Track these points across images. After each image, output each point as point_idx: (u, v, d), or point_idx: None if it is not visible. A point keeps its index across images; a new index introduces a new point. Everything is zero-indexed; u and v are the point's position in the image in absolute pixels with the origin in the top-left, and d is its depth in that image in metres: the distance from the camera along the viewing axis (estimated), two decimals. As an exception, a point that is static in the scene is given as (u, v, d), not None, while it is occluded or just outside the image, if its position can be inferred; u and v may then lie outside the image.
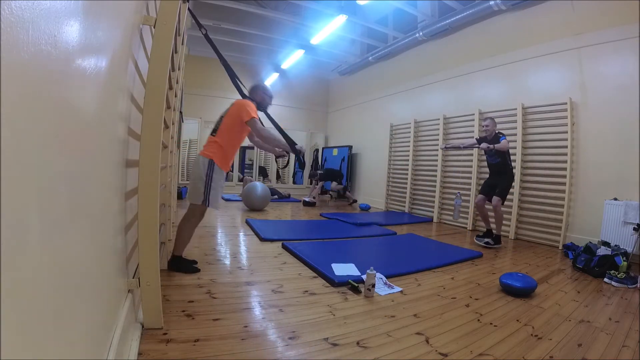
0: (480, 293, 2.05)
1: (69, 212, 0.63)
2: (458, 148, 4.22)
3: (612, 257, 2.54)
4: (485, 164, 4.54)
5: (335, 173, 6.82)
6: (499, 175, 3.43)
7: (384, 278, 2.12)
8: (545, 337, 1.49)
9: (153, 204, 1.26)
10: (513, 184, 3.60)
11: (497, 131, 3.44)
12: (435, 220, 5.12)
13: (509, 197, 4.20)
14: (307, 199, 6.20)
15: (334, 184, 6.78)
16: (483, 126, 3.49)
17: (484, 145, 3.30)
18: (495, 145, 3.22)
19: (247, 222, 3.91)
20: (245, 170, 8.68)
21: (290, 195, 7.24)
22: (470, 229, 4.49)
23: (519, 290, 2.01)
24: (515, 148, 3.94)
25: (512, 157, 4.16)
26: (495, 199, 3.35)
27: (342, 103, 8.48)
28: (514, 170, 3.58)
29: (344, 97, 8.46)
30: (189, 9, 2.29)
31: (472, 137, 4.17)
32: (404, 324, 1.56)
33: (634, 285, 2.28)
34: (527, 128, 4.00)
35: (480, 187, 4.59)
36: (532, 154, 3.96)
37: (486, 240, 3.44)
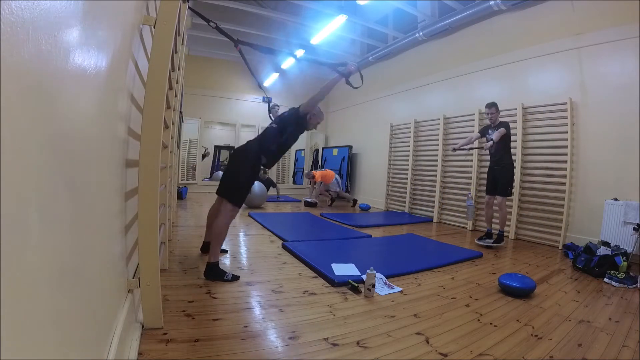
0: (480, 293, 2.05)
1: (68, 212, 0.63)
2: (470, 143, 3.73)
3: (612, 257, 2.54)
4: (485, 163, 4.63)
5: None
6: (498, 165, 3.38)
7: (384, 278, 2.12)
8: (545, 337, 1.49)
9: (153, 204, 1.25)
10: (514, 177, 3.51)
11: (500, 120, 3.39)
12: (435, 220, 5.12)
13: (509, 197, 4.21)
14: (308, 200, 6.22)
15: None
16: (488, 114, 3.39)
17: (487, 145, 3.25)
18: (493, 137, 3.21)
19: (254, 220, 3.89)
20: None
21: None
22: (471, 229, 4.49)
23: (518, 291, 2.01)
24: (515, 148, 3.92)
25: (513, 157, 4.18)
26: (498, 198, 3.38)
27: (342, 103, 8.47)
28: (514, 163, 3.50)
29: (344, 97, 8.45)
30: (190, 7, 2.28)
31: (476, 132, 3.96)
32: (404, 324, 1.56)
33: (634, 285, 2.28)
34: (527, 128, 4.00)
35: (480, 186, 4.63)
36: (532, 153, 3.95)
37: (487, 241, 3.44)
